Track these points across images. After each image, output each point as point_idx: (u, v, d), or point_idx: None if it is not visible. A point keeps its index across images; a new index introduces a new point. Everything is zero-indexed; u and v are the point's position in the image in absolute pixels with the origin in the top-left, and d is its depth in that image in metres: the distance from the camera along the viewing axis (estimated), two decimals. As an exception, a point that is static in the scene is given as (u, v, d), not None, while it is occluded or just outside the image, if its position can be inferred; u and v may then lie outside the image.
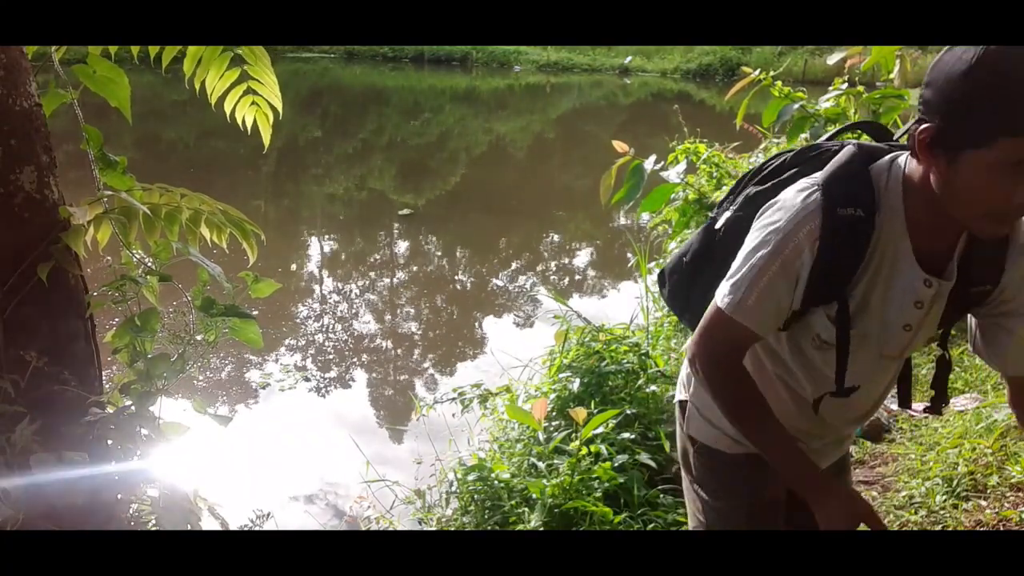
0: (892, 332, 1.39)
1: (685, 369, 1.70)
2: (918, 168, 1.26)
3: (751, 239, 1.36)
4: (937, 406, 1.56)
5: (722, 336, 1.38)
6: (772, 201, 1.38)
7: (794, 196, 1.33)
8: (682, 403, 1.67)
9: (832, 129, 1.56)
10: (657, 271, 1.80)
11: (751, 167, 1.65)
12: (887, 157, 1.34)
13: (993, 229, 1.24)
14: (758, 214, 1.39)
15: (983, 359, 1.48)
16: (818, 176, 1.34)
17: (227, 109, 1.99)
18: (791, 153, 1.51)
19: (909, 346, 1.42)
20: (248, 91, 1.98)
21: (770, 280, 1.31)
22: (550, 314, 4.54)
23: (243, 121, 2.03)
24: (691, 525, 1.71)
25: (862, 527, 1.31)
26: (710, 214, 1.62)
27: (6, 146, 1.52)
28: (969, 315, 1.46)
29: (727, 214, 1.55)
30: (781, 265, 1.30)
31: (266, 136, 2.06)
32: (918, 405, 3.76)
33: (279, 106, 2.00)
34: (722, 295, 1.36)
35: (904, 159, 1.31)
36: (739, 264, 1.35)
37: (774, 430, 1.39)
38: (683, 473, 1.72)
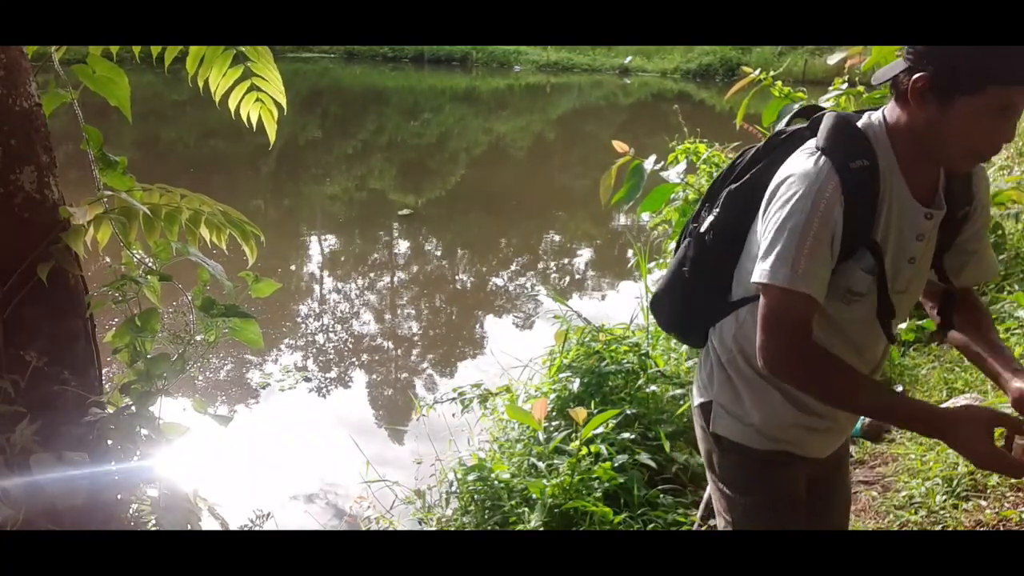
0: (901, 267, 1.49)
1: (702, 372, 1.70)
2: (901, 116, 1.40)
3: (775, 216, 1.40)
4: (943, 333, 1.67)
5: (786, 315, 1.40)
6: (779, 180, 1.43)
7: (803, 166, 1.40)
8: (703, 405, 1.68)
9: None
10: (649, 300, 1.83)
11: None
12: (863, 116, 1.47)
13: (970, 165, 1.44)
14: (768, 196, 1.44)
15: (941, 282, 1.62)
16: (814, 143, 1.44)
17: (231, 106, 1.99)
18: (754, 148, 1.61)
19: (912, 280, 1.54)
20: (252, 88, 1.97)
21: (812, 243, 1.36)
22: (550, 314, 4.55)
23: (247, 118, 2.03)
24: (719, 524, 1.73)
25: (997, 432, 1.35)
26: (695, 224, 1.67)
27: (6, 146, 1.52)
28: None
29: (711, 218, 1.61)
30: (819, 226, 1.36)
31: (271, 132, 2.05)
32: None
33: (283, 102, 2.00)
34: (768, 274, 1.38)
35: (879, 114, 1.45)
36: (773, 240, 1.39)
37: (876, 388, 1.44)
38: (708, 475, 1.73)
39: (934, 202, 1.48)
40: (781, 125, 1.63)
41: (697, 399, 1.71)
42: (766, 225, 1.42)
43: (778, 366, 1.42)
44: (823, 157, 1.39)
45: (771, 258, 1.38)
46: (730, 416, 1.61)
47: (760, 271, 1.39)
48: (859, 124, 1.45)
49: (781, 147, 1.54)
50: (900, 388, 3.74)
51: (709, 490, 1.78)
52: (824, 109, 1.57)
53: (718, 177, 1.66)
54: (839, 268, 1.43)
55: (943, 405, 3.45)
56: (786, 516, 1.60)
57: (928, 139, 1.38)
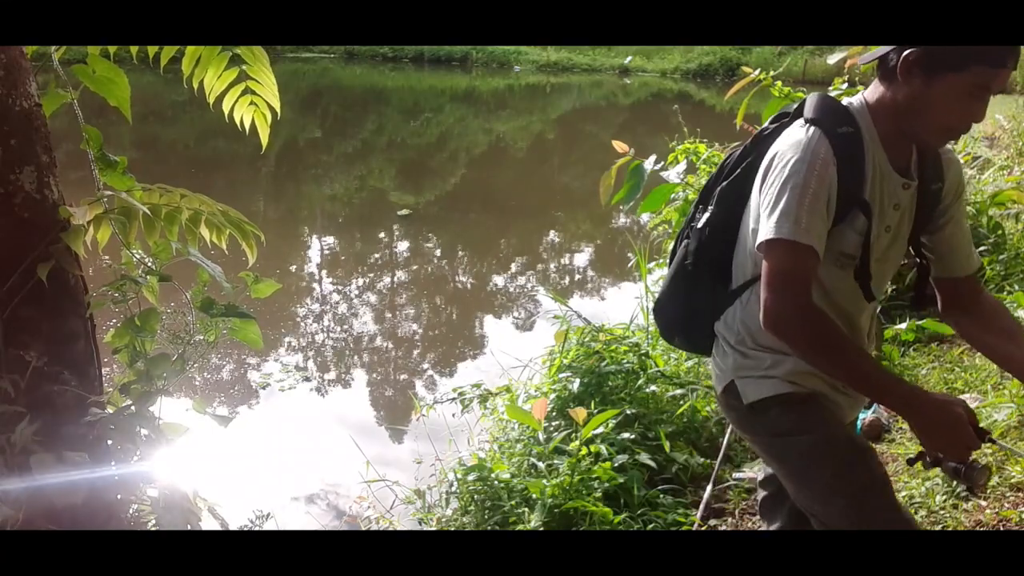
0: (879, 234, 1.57)
1: (716, 362, 1.74)
2: (885, 92, 1.50)
3: (774, 182, 1.46)
4: (920, 304, 1.76)
5: (791, 270, 1.44)
6: (772, 154, 1.51)
7: (794, 136, 1.49)
8: (727, 388, 1.69)
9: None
10: (652, 306, 1.89)
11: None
12: (844, 99, 1.57)
13: (942, 142, 1.54)
14: (763, 172, 1.52)
15: (936, 273, 1.70)
16: (802, 119, 1.52)
17: (225, 109, 1.98)
18: (742, 147, 1.69)
19: (889, 248, 1.61)
20: (246, 91, 1.97)
21: (812, 199, 1.43)
22: (550, 314, 4.55)
23: (241, 121, 2.02)
24: (783, 474, 1.69)
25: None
26: (692, 223, 1.74)
27: (6, 146, 1.52)
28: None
29: (706, 215, 1.69)
30: (816, 184, 1.43)
31: (264, 136, 2.05)
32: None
33: (277, 106, 1.99)
34: (774, 229, 1.43)
35: (859, 96, 1.56)
36: (775, 201, 1.44)
37: (864, 356, 1.51)
38: (753, 442, 1.75)
39: (908, 174, 1.57)
40: (765, 124, 1.71)
41: (719, 387, 1.73)
42: (765, 193, 1.48)
43: (782, 323, 1.45)
44: (812, 127, 1.48)
45: (775, 216, 1.43)
46: (755, 380, 1.64)
47: (765, 230, 1.44)
48: (842, 99, 1.56)
49: (765, 142, 1.61)
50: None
51: (710, 492, 1.79)
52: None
53: (711, 177, 1.75)
54: (833, 232, 1.49)
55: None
56: (843, 450, 1.57)
57: (908, 112, 1.47)
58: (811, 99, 1.56)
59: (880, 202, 1.54)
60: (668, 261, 1.84)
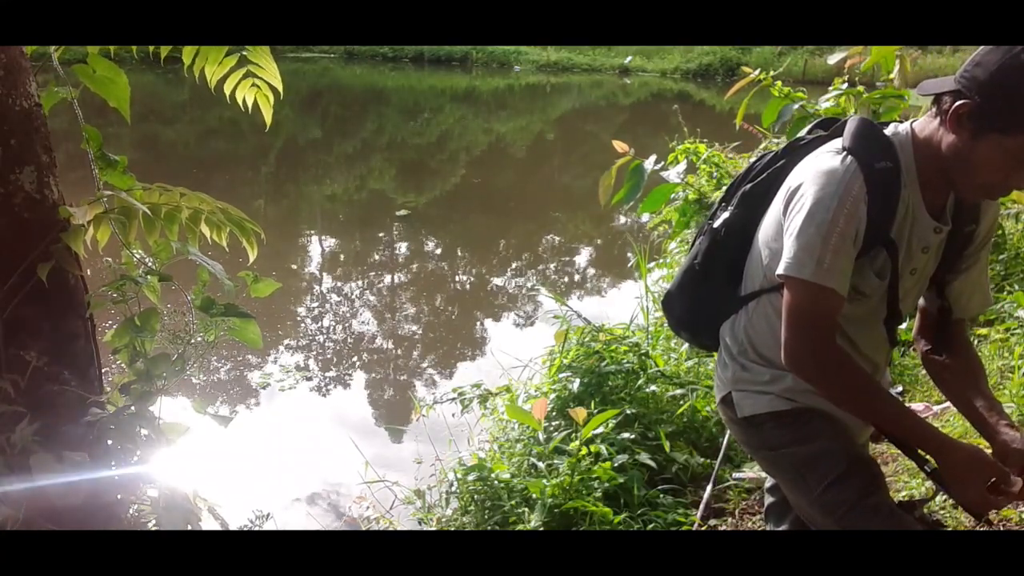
0: (903, 275, 1.53)
1: (718, 369, 1.73)
2: (934, 133, 1.43)
3: (801, 212, 1.41)
4: (939, 350, 1.68)
5: (811, 311, 1.42)
6: (802, 178, 1.46)
7: (828, 164, 1.43)
8: (724, 399, 1.70)
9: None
10: (662, 299, 1.88)
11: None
12: (890, 125, 1.50)
13: (978, 198, 1.50)
14: (789, 193, 1.47)
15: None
16: (839, 143, 1.46)
17: (227, 91, 1.98)
18: (773, 152, 1.65)
19: (910, 291, 1.57)
20: (248, 74, 1.96)
21: (838, 239, 1.39)
22: (550, 314, 4.54)
23: (243, 101, 2.02)
24: (781, 483, 1.70)
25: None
26: (710, 221, 1.71)
27: (6, 146, 1.52)
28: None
29: (725, 215, 1.66)
30: (845, 222, 1.39)
31: (267, 115, 2.04)
32: (917, 405, 3.74)
33: (279, 87, 1.98)
34: (795, 267, 1.40)
35: (906, 126, 1.48)
36: (799, 234, 1.40)
37: (892, 402, 1.47)
38: (752, 454, 1.75)
39: (942, 218, 1.51)
40: (802, 133, 1.67)
41: (717, 396, 1.73)
42: (790, 220, 1.44)
43: (801, 365, 1.45)
44: (849, 156, 1.43)
45: (797, 251, 1.40)
46: (751, 394, 1.63)
47: (785, 264, 1.42)
48: (886, 131, 1.48)
49: (799, 152, 1.57)
50: (900, 389, 3.74)
51: (710, 492, 1.79)
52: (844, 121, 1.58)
53: (736, 177, 1.71)
54: (853, 265, 1.46)
55: (942, 406, 3.47)
56: (839, 463, 1.54)
57: (950, 162, 1.41)
58: (852, 124, 1.49)
59: (908, 243, 1.50)
60: (686, 257, 1.84)
